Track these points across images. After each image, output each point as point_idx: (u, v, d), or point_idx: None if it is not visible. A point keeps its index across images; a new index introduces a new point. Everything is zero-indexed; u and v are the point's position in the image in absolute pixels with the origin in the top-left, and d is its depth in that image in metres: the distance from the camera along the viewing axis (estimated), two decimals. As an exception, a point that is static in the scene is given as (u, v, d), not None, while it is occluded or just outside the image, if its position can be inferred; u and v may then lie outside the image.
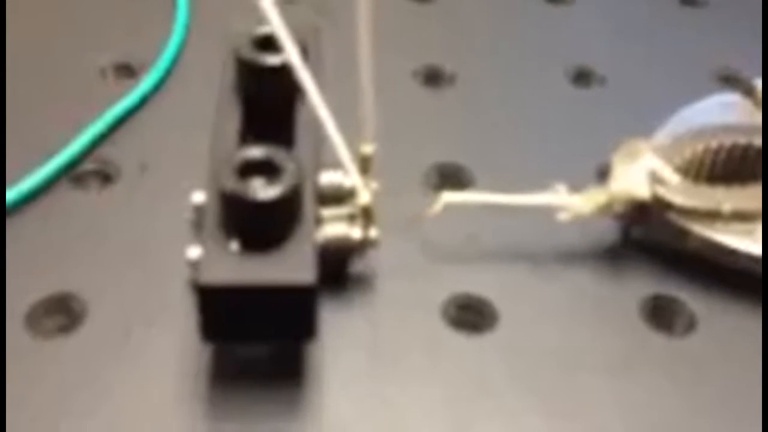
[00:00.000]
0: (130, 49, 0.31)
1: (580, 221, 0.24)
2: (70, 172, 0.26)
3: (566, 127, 0.29)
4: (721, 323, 0.24)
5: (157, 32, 0.31)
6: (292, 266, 0.20)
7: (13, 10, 0.32)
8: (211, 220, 0.21)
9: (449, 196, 0.25)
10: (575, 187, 0.25)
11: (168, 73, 0.30)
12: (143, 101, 0.29)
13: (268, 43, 0.23)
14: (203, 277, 0.20)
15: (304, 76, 0.21)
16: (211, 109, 0.24)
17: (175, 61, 0.30)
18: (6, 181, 0.25)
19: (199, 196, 0.22)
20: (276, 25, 0.21)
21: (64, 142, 0.27)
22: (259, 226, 0.20)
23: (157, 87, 0.29)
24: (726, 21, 0.33)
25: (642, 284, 0.25)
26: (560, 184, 0.25)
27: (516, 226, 0.25)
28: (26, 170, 0.26)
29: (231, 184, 0.20)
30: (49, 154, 0.26)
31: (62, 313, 0.23)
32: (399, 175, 0.26)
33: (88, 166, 0.27)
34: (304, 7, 0.33)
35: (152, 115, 0.29)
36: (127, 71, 0.30)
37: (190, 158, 0.24)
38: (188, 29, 0.31)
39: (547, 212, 0.24)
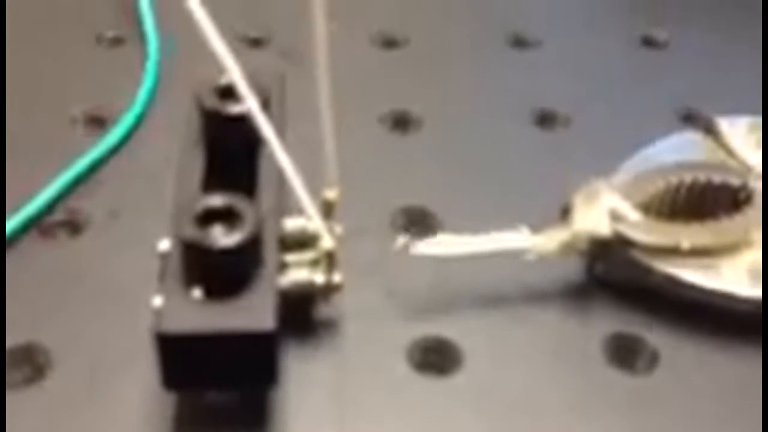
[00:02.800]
0: (101, 100, 0.31)
1: (545, 261, 0.25)
2: (38, 223, 0.27)
3: (532, 168, 0.30)
4: (684, 358, 0.24)
5: (129, 84, 0.31)
6: (251, 313, 0.20)
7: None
8: (173, 268, 0.21)
9: (416, 248, 0.25)
10: (542, 228, 0.25)
11: (138, 123, 0.30)
12: (112, 152, 0.29)
13: (231, 92, 0.23)
14: (162, 326, 0.20)
15: (263, 125, 0.21)
16: (179, 158, 0.24)
17: (145, 112, 0.31)
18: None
19: (165, 244, 0.22)
20: (234, 75, 0.21)
21: (32, 193, 0.27)
22: (219, 273, 0.20)
23: (127, 137, 0.30)
24: (685, 62, 0.34)
25: (606, 322, 0.25)
26: (523, 226, 0.25)
27: (481, 268, 0.25)
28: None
29: (190, 231, 0.20)
30: (17, 205, 0.26)
31: (28, 364, 0.23)
32: (366, 218, 0.27)
33: (57, 216, 0.27)
34: (272, 52, 0.33)
35: (122, 165, 0.29)
36: (98, 122, 0.30)
37: (160, 207, 0.24)
38: (159, 80, 0.32)
39: (512, 253, 0.25)
